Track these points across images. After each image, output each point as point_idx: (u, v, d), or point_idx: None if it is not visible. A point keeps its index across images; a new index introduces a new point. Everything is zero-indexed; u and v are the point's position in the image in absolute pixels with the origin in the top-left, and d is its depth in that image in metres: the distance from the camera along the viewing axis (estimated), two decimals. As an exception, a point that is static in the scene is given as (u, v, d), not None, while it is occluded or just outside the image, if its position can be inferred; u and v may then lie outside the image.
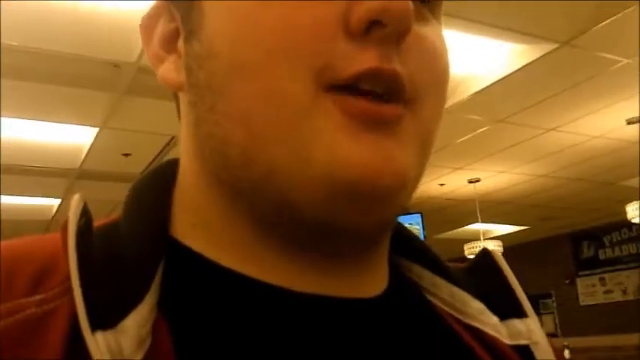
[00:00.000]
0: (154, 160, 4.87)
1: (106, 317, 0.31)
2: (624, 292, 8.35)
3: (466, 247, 6.74)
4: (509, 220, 7.67)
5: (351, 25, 0.33)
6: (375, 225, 0.37)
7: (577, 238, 8.83)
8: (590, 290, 8.77)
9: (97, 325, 0.31)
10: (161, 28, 0.42)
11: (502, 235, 8.13)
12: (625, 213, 5.33)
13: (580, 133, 4.83)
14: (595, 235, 8.64)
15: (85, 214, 0.36)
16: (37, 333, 0.32)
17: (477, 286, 0.46)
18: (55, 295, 0.33)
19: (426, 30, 0.37)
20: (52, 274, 0.34)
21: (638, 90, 4.06)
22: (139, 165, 4.91)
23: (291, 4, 0.34)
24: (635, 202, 5.11)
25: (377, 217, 0.36)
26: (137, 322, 0.32)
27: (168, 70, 0.40)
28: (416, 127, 0.36)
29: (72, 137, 4.44)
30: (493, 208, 6.79)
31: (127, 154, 4.79)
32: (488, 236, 7.50)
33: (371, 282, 0.41)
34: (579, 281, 8.88)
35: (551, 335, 8.94)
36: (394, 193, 0.35)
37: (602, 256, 8.65)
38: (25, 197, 5.66)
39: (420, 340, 0.41)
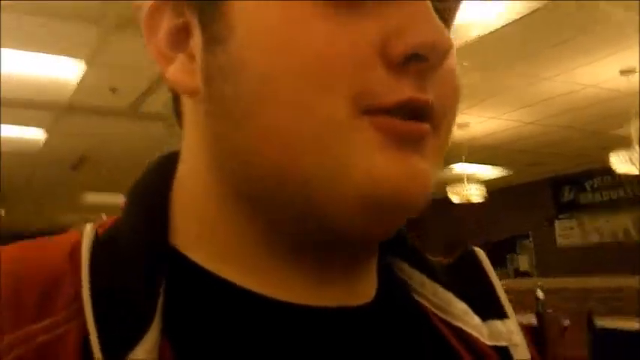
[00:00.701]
0: (140, 96, 4.80)
1: (117, 351, 0.32)
2: (601, 235, 8.56)
3: (449, 188, 6.85)
4: (496, 164, 7.73)
5: (390, 56, 0.34)
6: (389, 232, 0.39)
7: (559, 182, 8.95)
8: (568, 232, 8.97)
9: (109, 358, 0.31)
10: (167, 23, 0.39)
11: (486, 181, 8.21)
12: (608, 159, 5.40)
13: (573, 82, 4.82)
14: (577, 180, 8.77)
15: (95, 245, 0.36)
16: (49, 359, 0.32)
17: (459, 284, 0.47)
18: (63, 320, 0.33)
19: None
20: (56, 294, 0.34)
21: (633, 42, 4.03)
22: (125, 100, 4.84)
23: (329, 31, 0.34)
24: (620, 152, 5.16)
25: (395, 226, 0.39)
26: (146, 350, 0.32)
27: (180, 72, 0.39)
28: (436, 144, 0.37)
29: (60, 71, 4.33)
30: (480, 153, 6.83)
31: (114, 90, 4.70)
32: (473, 180, 7.57)
33: (365, 287, 0.43)
34: (558, 224, 9.07)
35: (525, 274, 9.20)
36: (418, 206, 0.36)
37: (582, 201, 8.81)
38: (11, 128, 5.56)
39: (410, 344, 0.43)
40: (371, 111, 0.34)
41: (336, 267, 0.40)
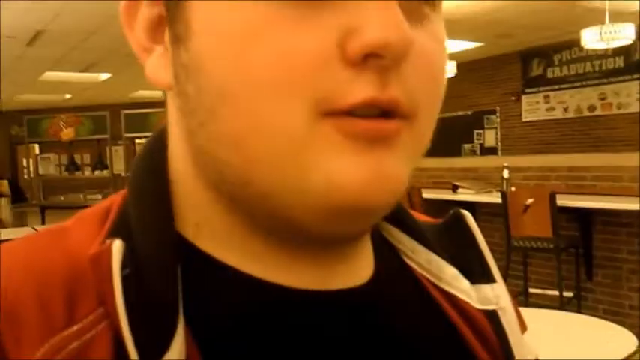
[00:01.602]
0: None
1: (151, 353, 0.32)
2: (565, 110, 8.66)
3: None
4: (467, 37, 7.60)
5: (348, 56, 0.33)
6: (365, 229, 0.41)
7: (528, 55, 8.89)
8: (534, 107, 9.05)
9: None
10: (144, 12, 0.39)
11: (456, 53, 8.10)
12: (578, 33, 5.33)
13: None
14: (546, 53, 8.71)
15: (124, 260, 0.35)
16: None
17: (448, 247, 0.49)
18: (91, 324, 0.34)
19: (424, 37, 0.36)
20: (82, 297, 0.35)
21: None
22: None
23: (283, 37, 0.33)
24: (592, 28, 5.08)
25: (367, 225, 0.40)
26: (177, 351, 0.33)
27: (157, 67, 0.38)
28: (412, 140, 0.36)
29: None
30: (451, 25, 6.66)
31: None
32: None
33: (363, 264, 0.44)
34: (524, 98, 9.12)
35: (491, 150, 9.38)
36: (387, 207, 0.37)
37: (549, 75, 8.81)
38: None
39: (409, 316, 0.45)
40: (332, 114, 0.33)
41: (330, 253, 0.40)
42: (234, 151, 0.35)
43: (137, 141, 10.26)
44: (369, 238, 0.45)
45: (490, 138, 9.61)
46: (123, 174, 9.59)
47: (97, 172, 9.69)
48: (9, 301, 0.33)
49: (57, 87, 10.12)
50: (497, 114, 9.48)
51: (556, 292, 4.58)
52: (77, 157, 10.39)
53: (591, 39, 5.10)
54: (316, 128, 0.33)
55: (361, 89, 0.33)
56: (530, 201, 4.49)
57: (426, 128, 0.38)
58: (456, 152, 9.42)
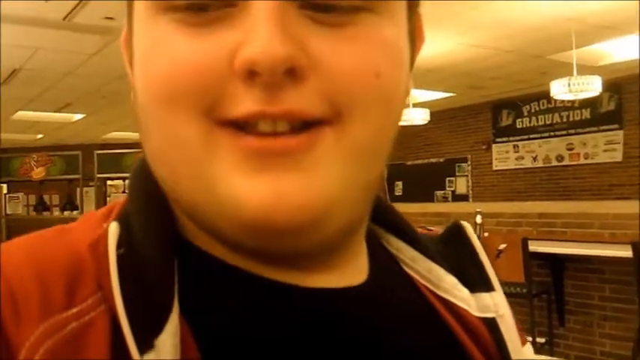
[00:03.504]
0: (75, 7, 4.50)
1: (145, 336, 0.33)
2: (534, 159, 8.87)
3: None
4: (439, 87, 7.78)
5: (235, 71, 0.33)
6: (312, 247, 0.37)
7: (498, 106, 9.13)
8: (504, 156, 9.24)
9: (140, 347, 0.32)
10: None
11: (429, 102, 8.28)
12: (547, 84, 5.50)
13: (516, 6, 4.81)
14: (515, 104, 8.95)
15: (121, 242, 0.36)
16: (81, 346, 0.33)
17: (448, 257, 0.49)
18: (89, 307, 0.34)
19: (350, 40, 0.35)
20: (81, 283, 0.35)
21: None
22: (60, 11, 4.54)
23: (177, 51, 0.34)
24: (561, 79, 5.26)
25: (305, 244, 0.37)
26: (171, 333, 0.33)
27: (129, 63, 0.41)
28: (342, 149, 0.35)
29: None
30: (425, 75, 6.84)
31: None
32: (415, 102, 7.62)
33: (355, 267, 0.43)
34: (495, 147, 9.32)
35: (462, 197, 9.51)
36: (305, 226, 0.35)
37: (519, 125, 9.04)
38: None
39: (406, 320, 0.44)
40: (226, 125, 0.34)
41: (308, 260, 0.40)
42: (162, 164, 0.37)
43: (109, 182, 10.15)
44: (362, 246, 0.44)
45: (461, 185, 9.76)
46: (93, 215, 9.42)
47: (66, 213, 9.52)
48: (10, 283, 0.34)
49: (29, 126, 10.01)
50: (469, 162, 9.65)
51: (529, 339, 4.59)
52: (46, 198, 10.22)
53: (560, 90, 5.27)
54: (213, 138, 0.34)
55: (248, 102, 0.33)
56: (503, 246, 4.53)
57: (361, 129, 0.35)
58: (429, 198, 9.52)
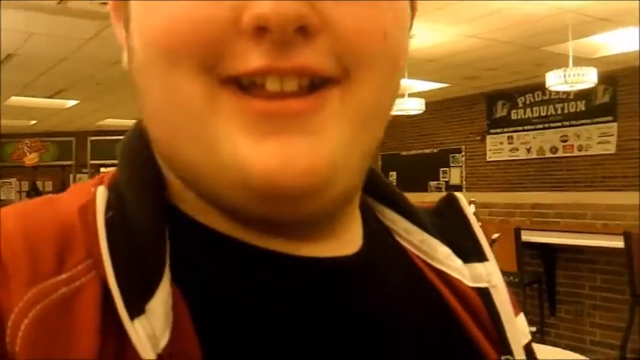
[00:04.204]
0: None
1: (136, 301, 0.32)
2: (528, 150, 8.88)
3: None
4: (435, 77, 7.78)
5: (241, 28, 0.33)
6: (316, 212, 0.37)
7: (493, 97, 9.13)
8: (498, 147, 9.25)
9: (131, 311, 0.32)
10: (125, 8, 0.40)
11: (424, 92, 8.28)
12: (542, 76, 5.51)
13: (516, -3, 4.81)
14: (510, 96, 8.96)
15: (110, 206, 0.36)
16: (71, 312, 0.32)
17: (442, 228, 0.49)
18: (80, 273, 0.34)
19: (351, 5, 0.34)
20: (71, 249, 0.35)
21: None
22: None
23: (179, 4, 0.33)
24: (557, 70, 5.27)
25: (310, 209, 0.36)
26: (162, 299, 0.33)
27: (125, 56, 0.40)
28: (349, 111, 0.35)
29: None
30: (420, 66, 6.83)
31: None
32: (410, 92, 7.62)
33: (349, 236, 0.43)
34: (489, 138, 9.33)
35: (455, 187, 9.53)
36: (312, 190, 0.34)
37: (513, 116, 9.04)
38: None
39: (399, 290, 0.44)
40: (230, 83, 0.34)
41: (308, 226, 0.39)
42: (161, 127, 0.36)
43: (102, 169, 10.13)
44: (356, 216, 0.44)
45: (455, 176, 9.78)
46: (86, 202, 9.41)
47: (59, 200, 9.50)
48: (4, 251, 0.34)
49: (23, 112, 9.96)
50: (463, 153, 9.66)
51: (520, 327, 4.62)
52: (39, 184, 10.20)
53: (555, 81, 5.28)
54: (216, 97, 0.34)
55: (255, 58, 0.33)
56: (496, 235, 4.56)
57: (367, 89, 0.36)
58: (423, 188, 9.53)
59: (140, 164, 0.40)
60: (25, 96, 8.52)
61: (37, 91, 8.36)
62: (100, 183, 0.40)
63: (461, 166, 9.73)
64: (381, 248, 0.45)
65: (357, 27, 0.34)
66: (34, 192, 9.53)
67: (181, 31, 0.33)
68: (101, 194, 0.36)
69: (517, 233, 4.47)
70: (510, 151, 9.10)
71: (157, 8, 0.34)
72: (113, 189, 0.38)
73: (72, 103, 9.31)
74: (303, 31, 0.33)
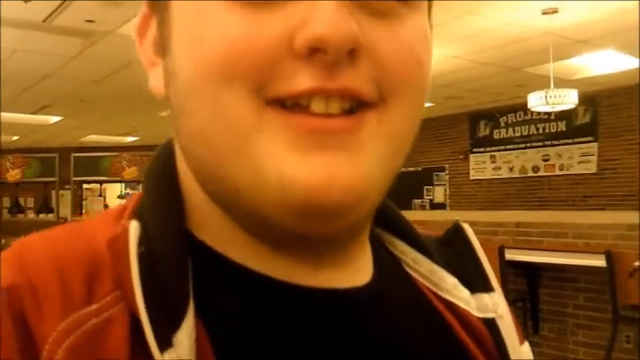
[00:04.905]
0: (56, 9, 4.47)
1: (164, 334, 0.33)
2: (511, 169, 8.98)
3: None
4: (417, 96, 7.85)
5: (294, 49, 0.34)
6: (342, 230, 0.39)
7: (476, 117, 9.24)
8: (481, 166, 9.36)
9: (160, 345, 0.33)
10: (152, 30, 0.42)
11: (408, 110, 8.33)
12: (524, 97, 5.60)
13: (496, 19, 4.90)
14: (493, 115, 9.07)
15: (142, 241, 0.36)
16: (101, 343, 0.33)
17: (449, 258, 0.50)
18: (109, 304, 0.35)
19: (397, 29, 0.36)
20: (100, 279, 0.36)
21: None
22: (40, 12, 4.50)
23: (233, 26, 0.34)
24: (538, 91, 5.35)
25: (340, 225, 0.37)
26: (187, 332, 0.34)
27: (157, 78, 0.41)
28: (383, 133, 0.36)
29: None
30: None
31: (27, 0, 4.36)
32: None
33: (362, 266, 0.44)
34: (472, 157, 9.43)
35: (439, 205, 9.60)
36: (349, 207, 0.35)
37: (496, 136, 9.16)
38: None
39: (409, 321, 0.45)
40: (279, 104, 0.34)
41: (326, 253, 0.41)
42: (205, 146, 0.36)
43: (85, 185, 10.06)
44: (367, 244, 0.45)
45: (439, 194, 9.85)
46: (69, 218, 9.33)
47: (41, 215, 9.40)
48: (31, 278, 0.35)
49: (5, 128, 9.89)
50: (446, 171, 9.74)
51: (504, 346, 4.63)
52: (21, 200, 10.09)
53: (537, 102, 5.36)
54: (265, 118, 0.34)
55: (308, 79, 0.34)
56: (480, 254, 4.58)
57: (399, 115, 0.37)
58: (407, 206, 9.58)
59: (165, 191, 0.41)
60: (8, 112, 8.46)
61: (20, 107, 8.31)
62: (125, 210, 0.42)
63: (444, 185, 9.81)
64: (390, 278, 0.46)
65: (397, 54, 0.36)
66: (15, 208, 9.42)
67: (239, 52, 0.34)
68: (134, 229, 0.36)
69: (501, 252, 4.50)
70: (493, 169, 9.20)
71: (212, 30, 0.34)
72: (138, 215, 0.39)
73: (55, 119, 9.26)
74: (351, 54, 0.34)
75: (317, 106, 0.34)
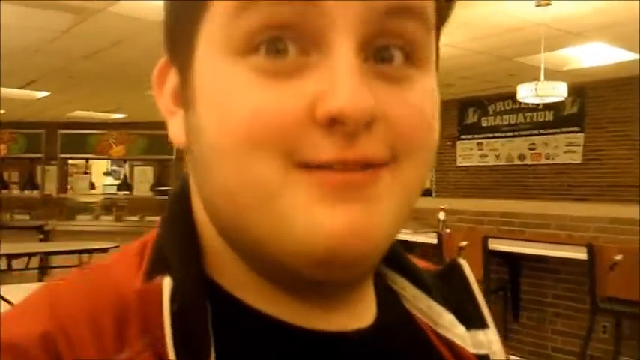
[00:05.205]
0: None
1: None
2: (497, 157, 9.04)
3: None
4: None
5: (316, 119, 0.36)
6: (356, 276, 0.42)
7: (465, 104, 9.27)
8: (468, 153, 9.40)
9: None
10: (172, 79, 0.44)
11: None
12: (514, 86, 5.63)
13: (490, 9, 4.90)
14: (481, 103, 9.10)
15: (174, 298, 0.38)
16: None
17: (445, 292, 0.52)
18: (137, 351, 0.36)
19: (407, 93, 0.39)
20: (128, 326, 0.37)
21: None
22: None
23: (259, 98, 0.36)
24: (528, 83, 5.38)
25: (356, 272, 0.40)
26: None
27: (176, 128, 0.43)
28: (396, 188, 0.39)
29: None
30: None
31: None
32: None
33: (368, 306, 0.47)
34: (459, 144, 9.47)
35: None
36: (368, 256, 0.39)
37: (484, 124, 9.19)
38: None
39: (409, 357, 0.47)
40: (303, 165, 0.37)
41: (335, 295, 0.43)
42: (228, 201, 0.39)
43: (70, 162, 9.99)
44: (371, 284, 0.47)
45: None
46: (54, 195, 9.29)
47: (26, 192, 9.34)
48: (64, 324, 0.37)
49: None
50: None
51: (484, 333, 4.71)
52: (5, 175, 10.01)
53: (527, 94, 5.39)
54: (291, 177, 0.37)
55: (329, 149, 0.36)
56: (464, 243, 4.65)
57: (412, 178, 0.40)
58: (393, 192, 9.61)
59: (184, 233, 0.43)
60: (-6, 85, 8.36)
61: (7, 82, 8.21)
62: (144, 248, 0.44)
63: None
64: (393, 317, 0.48)
65: (408, 120, 0.38)
66: (0, 184, 9.36)
67: (265, 123, 0.36)
68: (167, 286, 0.38)
69: (484, 242, 4.57)
70: (480, 157, 9.24)
71: (236, 101, 0.37)
72: (161, 261, 0.41)
73: (42, 94, 9.17)
74: (368, 124, 0.36)
75: (338, 167, 0.37)
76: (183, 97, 0.42)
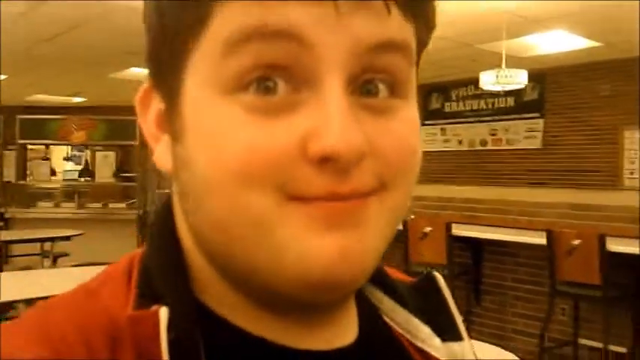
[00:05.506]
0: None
1: None
2: (460, 142, 9.15)
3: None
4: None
5: (307, 156, 0.37)
6: (343, 296, 0.44)
7: (429, 89, 9.34)
8: (432, 138, 9.48)
9: None
10: (155, 105, 0.44)
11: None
12: (476, 72, 5.71)
13: (455, -3, 4.94)
14: (445, 89, 9.19)
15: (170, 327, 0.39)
16: None
17: (421, 304, 0.54)
18: None
19: (392, 124, 0.40)
20: (121, 350, 0.38)
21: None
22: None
23: (252, 135, 0.37)
24: (490, 71, 5.46)
25: (344, 293, 0.43)
26: None
27: (162, 153, 0.44)
28: (384, 212, 0.41)
29: None
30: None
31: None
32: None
33: (351, 322, 0.48)
34: (423, 129, 9.46)
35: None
36: (357, 279, 0.40)
37: (447, 109, 9.29)
38: None
39: None
40: (296, 198, 0.38)
41: (320, 314, 0.45)
42: (219, 232, 0.40)
43: (29, 146, 9.76)
44: (353, 301, 0.49)
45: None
46: (13, 181, 9.07)
47: (-16, 178, 9.10)
48: (60, 351, 0.37)
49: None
50: (398, 142, 9.84)
51: (448, 316, 4.81)
52: (-38, 160, 9.73)
53: (488, 81, 5.48)
54: (284, 210, 0.38)
55: (322, 184, 0.37)
56: (428, 229, 4.72)
57: (398, 197, 0.41)
58: (358, 177, 9.65)
59: (171, 255, 0.44)
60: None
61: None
62: (131, 269, 0.44)
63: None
64: (374, 332, 0.50)
65: (395, 150, 0.40)
66: (-44, 169, 9.09)
67: (260, 158, 0.37)
68: (164, 316, 0.39)
69: (448, 228, 4.65)
70: (443, 142, 9.34)
71: (228, 138, 0.38)
72: (149, 283, 0.42)
73: (0, 77, 8.91)
74: (358, 160, 0.38)
75: (328, 197, 0.38)
76: (171, 126, 0.42)
